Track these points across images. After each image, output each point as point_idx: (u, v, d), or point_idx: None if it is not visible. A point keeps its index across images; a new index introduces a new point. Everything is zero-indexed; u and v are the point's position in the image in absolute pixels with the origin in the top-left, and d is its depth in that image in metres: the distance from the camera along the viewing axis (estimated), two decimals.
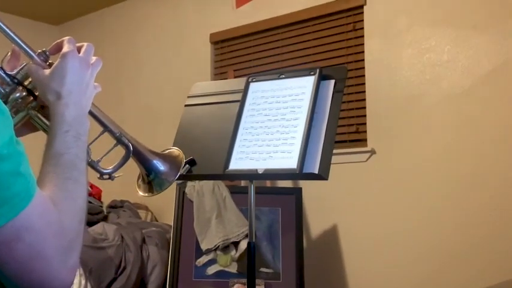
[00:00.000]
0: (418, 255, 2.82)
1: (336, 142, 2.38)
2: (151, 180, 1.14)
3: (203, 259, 2.96)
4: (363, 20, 3.13)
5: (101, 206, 3.68)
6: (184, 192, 3.04)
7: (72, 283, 0.76)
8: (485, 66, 2.72)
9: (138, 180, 1.18)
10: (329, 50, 3.26)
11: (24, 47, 0.93)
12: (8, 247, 0.70)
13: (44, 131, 0.93)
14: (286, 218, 2.99)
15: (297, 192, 3.02)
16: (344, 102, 2.92)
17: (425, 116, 2.88)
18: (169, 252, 3.01)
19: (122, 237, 3.10)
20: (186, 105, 1.94)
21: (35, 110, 0.94)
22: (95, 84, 0.96)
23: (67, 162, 0.83)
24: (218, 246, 2.91)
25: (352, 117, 3.13)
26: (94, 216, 3.40)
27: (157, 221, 3.77)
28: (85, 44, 0.94)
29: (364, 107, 3.09)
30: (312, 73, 1.73)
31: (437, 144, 2.82)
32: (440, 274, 2.74)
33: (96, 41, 1.19)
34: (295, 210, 2.98)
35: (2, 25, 0.90)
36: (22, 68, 0.93)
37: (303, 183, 3.06)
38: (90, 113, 0.97)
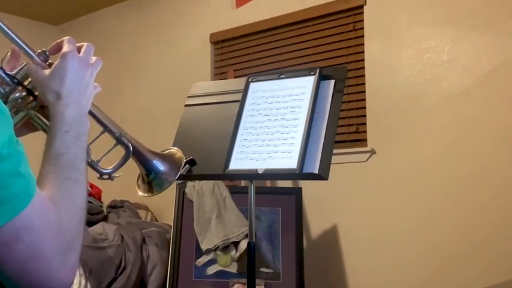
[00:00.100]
0: (418, 255, 2.81)
1: (336, 142, 2.37)
2: (151, 180, 1.14)
3: (203, 259, 2.96)
4: (362, 20, 3.12)
5: (101, 206, 3.68)
6: (184, 192, 3.04)
7: (71, 283, 0.76)
8: (485, 66, 2.71)
9: (138, 180, 1.18)
10: (329, 50, 3.25)
11: (24, 47, 0.93)
12: (8, 247, 0.70)
13: (44, 131, 0.93)
14: (286, 218, 2.99)
15: (297, 192, 3.02)
16: (344, 102, 2.92)
17: (425, 116, 2.87)
18: (169, 252, 3.01)
19: (122, 237, 3.10)
20: (186, 105, 1.94)
21: (35, 110, 0.94)
22: (95, 84, 0.96)
23: (67, 162, 0.83)
24: (218, 246, 2.91)
25: (352, 117, 3.13)
26: (94, 216, 3.40)
27: (157, 221, 3.77)
28: (85, 44, 0.94)
29: (364, 107, 3.08)
30: (312, 73, 1.73)
31: (437, 144, 2.82)
32: (440, 274, 2.74)
33: (96, 41, 1.19)
34: (295, 210, 2.98)
35: (2, 25, 0.90)
36: (22, 68, 0.93)
37: (303, 183, 3.06)
38: (90, 113, 0.97)
